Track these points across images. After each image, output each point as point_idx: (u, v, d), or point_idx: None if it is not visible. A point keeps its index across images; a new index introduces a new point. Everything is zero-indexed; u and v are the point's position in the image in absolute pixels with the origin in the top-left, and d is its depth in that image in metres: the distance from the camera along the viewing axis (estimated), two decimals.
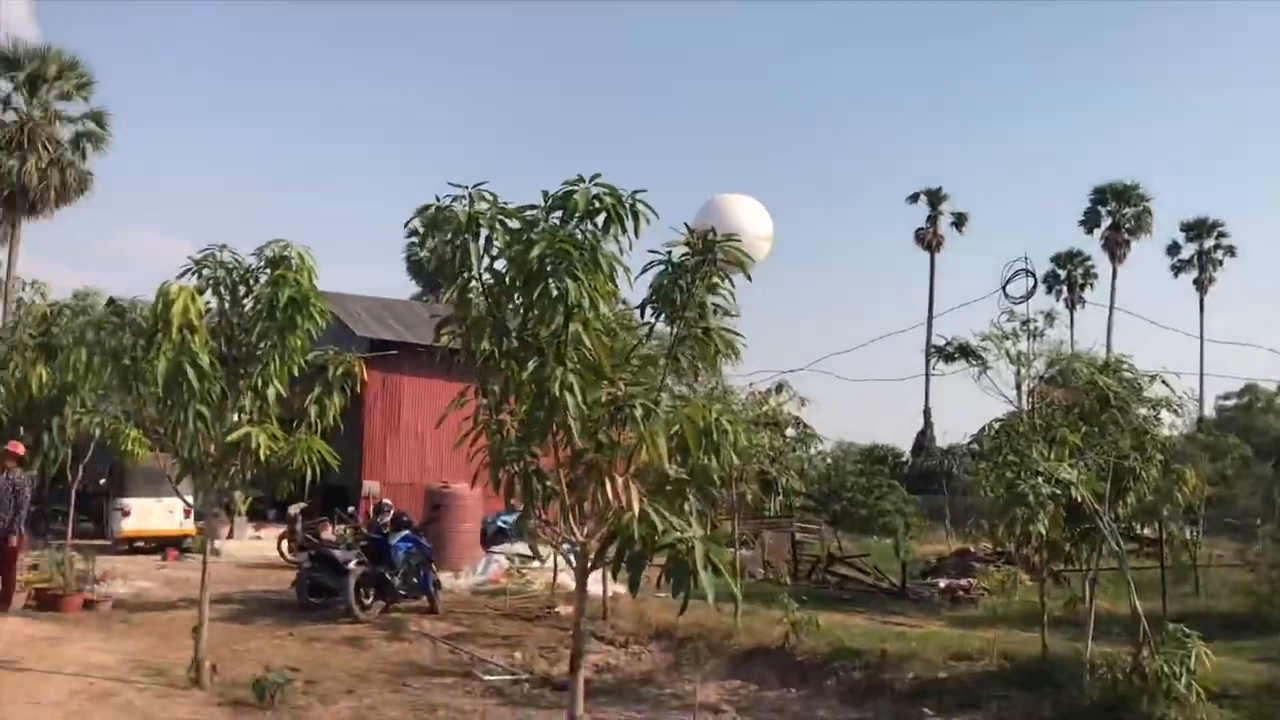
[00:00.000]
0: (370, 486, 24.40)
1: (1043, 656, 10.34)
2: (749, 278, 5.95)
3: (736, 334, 5.75)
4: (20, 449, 12.63)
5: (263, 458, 8.66)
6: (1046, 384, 10.71)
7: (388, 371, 25.10)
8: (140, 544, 21.44)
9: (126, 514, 21.17)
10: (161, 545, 21.17)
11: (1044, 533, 9.25)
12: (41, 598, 13.34)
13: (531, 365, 5.44)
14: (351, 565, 13.56)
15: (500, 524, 22.27)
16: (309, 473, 8.95)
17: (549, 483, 5.82)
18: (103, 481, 23.46)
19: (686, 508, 5.67)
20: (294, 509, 20.13)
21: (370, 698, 9.46)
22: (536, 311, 5.46)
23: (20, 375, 13.37)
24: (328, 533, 18.92)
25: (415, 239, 56.36)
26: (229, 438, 8.72)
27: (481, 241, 5.55)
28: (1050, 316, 11.38)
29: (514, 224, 5.57)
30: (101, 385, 13.00)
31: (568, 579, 16.19)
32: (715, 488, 6.30)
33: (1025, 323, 11.01)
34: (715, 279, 5.64)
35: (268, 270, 9.01)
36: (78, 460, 14.23)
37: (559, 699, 10.08)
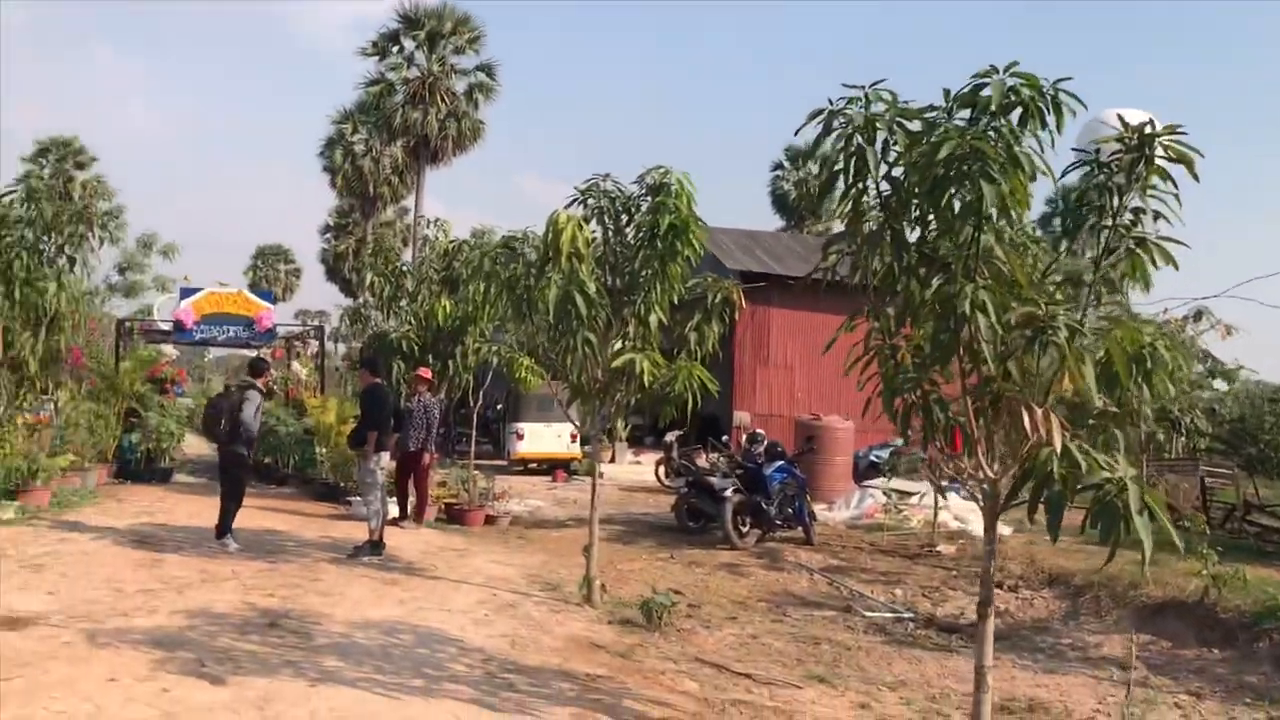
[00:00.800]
0: (741, 417, 24.69)
1: None
2: (1195, 177, 5.05)
3: (1179, 243, 4.90)
4: (429, 374, 13.71)
5: (646, 383, 8.75)
6: None
7: (756, 303, 25.06)
8: (532, 465, 23.01)
9: (521, 437, 22.76)
10: (551, 467, 22.59)
11: None
12: (449, 511, 14.51)
13: (935, 282, 4.92)
14: (728, 493, 13.66)
15: (873, 458, 21.81)
16: (689, 399, 8.93)
17: (951, 413, 5.31)
18: (500, 407, 25.38)
19: (1114, 444, 4.96)
20: (670, 436, 20.71)
21: (752, 625, 9.42)
22: (940, 223, 4.92)
23: (427, 307, 14.51)
24: (701, 460, 19.27)
25: (780, 172, 56.37)
26: (614, 363, 8.87)
27: (878, 146, 5.06)
28: None
29: (914, 126, 5.03)
30: (497, 315, 13.80)
31: (948, 517, 15.51)
32: (1145, 423, 5.48)
33: None
34: (1154, 179, 4.82)
35: (648, 197, 9.01)
36: (478, 386, 15.29)
37: (945, 641, 9.59)
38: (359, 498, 12.84)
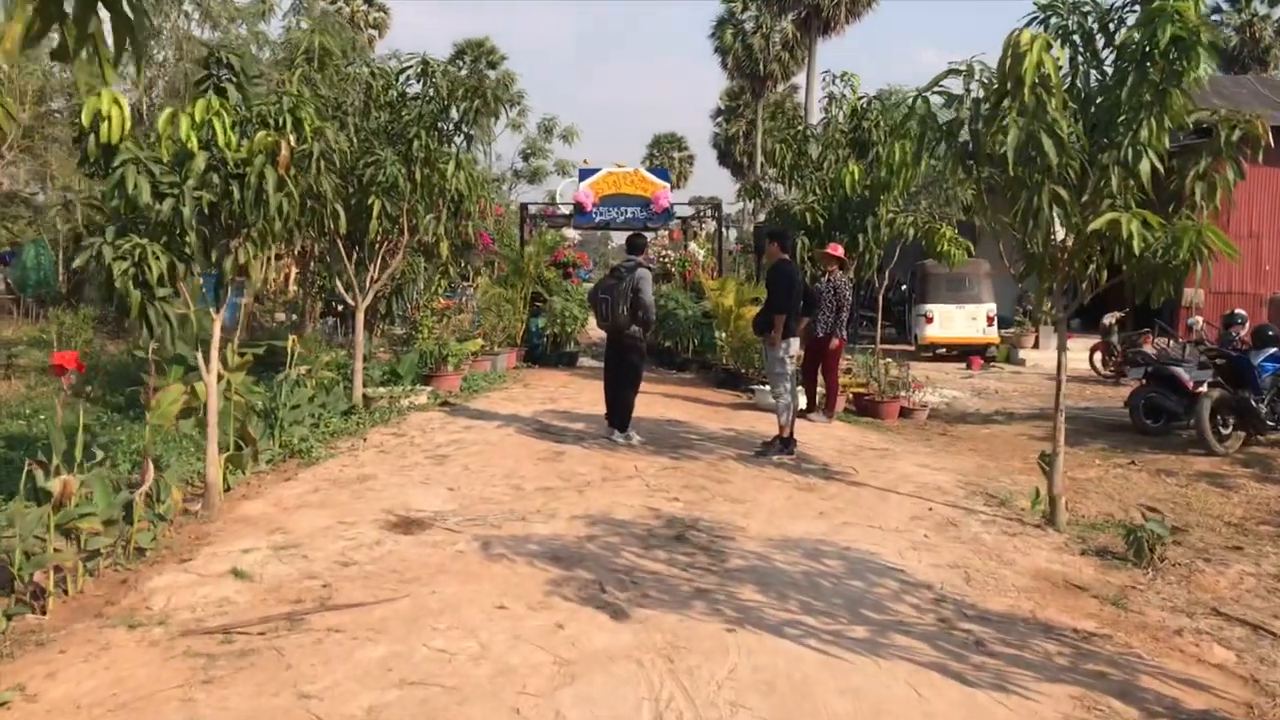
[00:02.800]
0: (1191, 295, 21.17)
1: None
2: None
3: None
4: (839, 250, 12.21)
5: (1135, 250, 6.72)
6: None
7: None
8: (942, 351, 21.10)
9: (929, 320, 20.88)
10: (963, 352, 20.58)
11: None
12: (859, 403, 13.14)
13: None
14: (1204, 387, 11.22)
15: None
16: (1200, 269, 6.80)
17: None
18: (904, 287, 23.54)
19: None
20: (1109, 318, 18.06)
21: (1268, 560, 7.26)
22: None
23: (834, 175, 12.92)
24: (1148, 346, 16.51)
25: (1219, 16, 48.40)
26: (1091, 226, 6.91)
27: None
28: None
29: None
30: (916, 181, 12.02)
31: None
32: None
33: None
34: None
35: (1135, 7, 6.88)
36: (883, 265, 13.61)
37: None
38: (763, 387, 11.74)
